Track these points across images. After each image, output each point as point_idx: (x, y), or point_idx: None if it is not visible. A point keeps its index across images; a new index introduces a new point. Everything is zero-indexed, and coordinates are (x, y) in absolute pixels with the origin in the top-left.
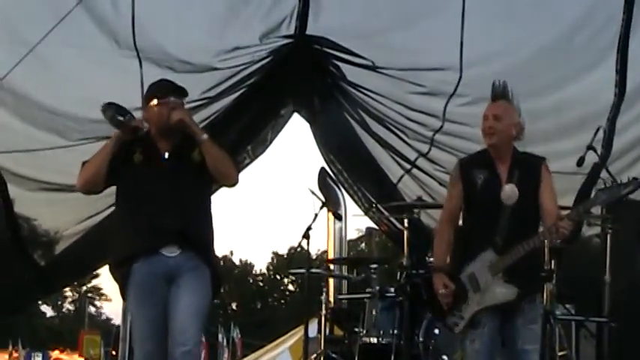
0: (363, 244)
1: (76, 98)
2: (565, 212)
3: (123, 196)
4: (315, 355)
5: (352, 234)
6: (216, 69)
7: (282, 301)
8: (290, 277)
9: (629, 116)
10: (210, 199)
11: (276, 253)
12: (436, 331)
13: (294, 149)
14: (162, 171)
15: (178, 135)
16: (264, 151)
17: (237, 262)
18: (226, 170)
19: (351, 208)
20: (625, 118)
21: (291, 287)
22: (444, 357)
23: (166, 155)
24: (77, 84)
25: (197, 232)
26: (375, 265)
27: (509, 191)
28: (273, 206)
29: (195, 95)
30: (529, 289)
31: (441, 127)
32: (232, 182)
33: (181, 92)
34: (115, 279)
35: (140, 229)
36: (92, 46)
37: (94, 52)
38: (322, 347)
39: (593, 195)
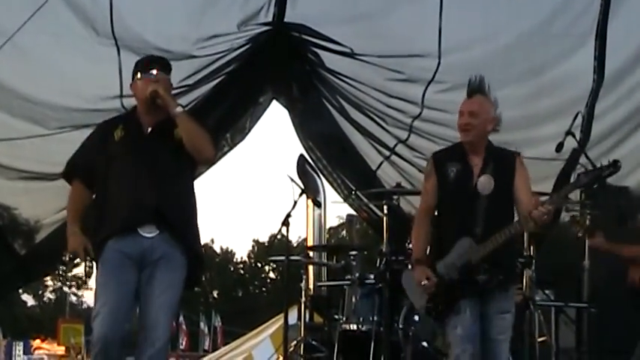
0: (344, 232)
1: (53, 87)
2: (543, 198)
3: (103, 175)
4: (295, 342)
5: (333, 221)
6: (194, 57)
7: (264, 289)
8: (271, 264)
9: (607, 102)
10: (192, 180)
11: (256, 241)
12: (416, 317)
13: (273, 137)
14: (142, 147)
15: (163, 111)
16: (243, 138)
17: (218, 250)
18: (201, 145)
19: (330, 195)
20: (603, 103)
21: (272, 275)
22: (424, 344)
23: (148, 130)
24: (55, 73)
25: (176, 211)
26: (354, 252)
27: (485, 181)
28: (254, 194)
29: (174, 83)
30: (504, 279)
31: (420, 113)
32: (208, 158)
33: (164, 65)
34: (92, 259)
35: (117, 208)
36: (70, 35)
37: (72, 41)
38: (302, 334)
39: (573, 179)
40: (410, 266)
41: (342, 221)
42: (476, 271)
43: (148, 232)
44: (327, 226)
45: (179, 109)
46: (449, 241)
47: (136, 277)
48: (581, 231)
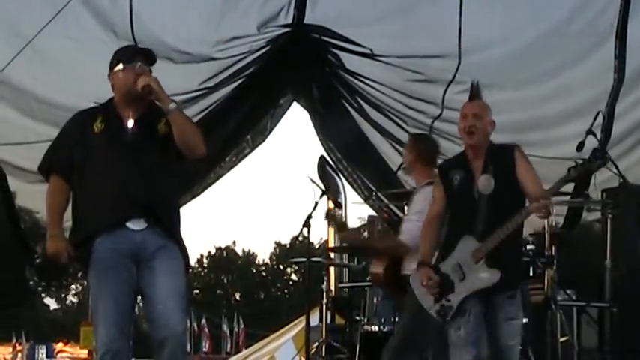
0: (366, 233)
1: (73, 90)
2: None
3: (82, 168)
4: (316, 343)
5: (354, 222)
6: (214, 59)
7: (286, 291)
8: (293, 266)
9: (628, 101)
10: (176, 174)
11: (278, 243)
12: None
13: (294, 138)
14: (125, 141)
15: (144, 104)
16: (263, 140)
17: (240, 253)
18: (194, 142)
19: (351, 196)
20: (624, 103)
21: (294, 277)
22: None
23: (130, 124)
24: (75, 76)
25: (163, 205)
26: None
27: (485, 181)
28: (275, 196)
29: (194, 85)
30: (510, 283)
31: (440, 114)
32: (199, 155)
33: (149, 57)
34: (78, 260)
35: (103, 202)
36: (90, 39)
37: (92, 45)
38: (324, 336)
39: (566, 173)
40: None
41: (363, 222)
42: (480, 269)
43: (137, 226)
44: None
45: (173, 104)
46: (452, 242)
47: (133, 273)
48: (333, 225)
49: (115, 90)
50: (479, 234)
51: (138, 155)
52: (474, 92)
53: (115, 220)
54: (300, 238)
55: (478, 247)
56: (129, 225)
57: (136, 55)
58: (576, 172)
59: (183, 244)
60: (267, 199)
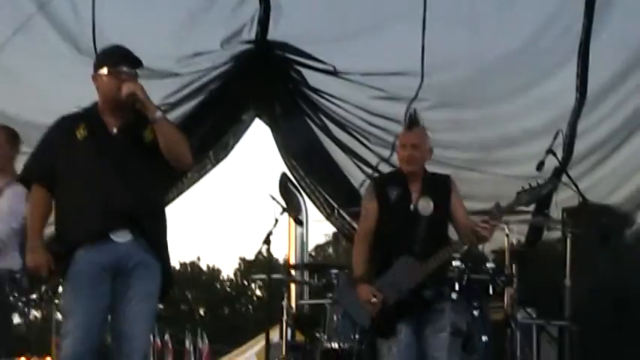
0: (331, 249)
1: (36, 106)
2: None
3: (66, 177)
4: None
5: (320, 239)
6: (177, 75)
7: (250, 307)
8: (258, 282)
9: (590, 120)
10: (163, 185)
11: (243, 259)
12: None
13: (257, 155)
14: (109, 149)
15: (129, 111)
16: (225, 156)
17: (205, 268)
18: (180, 152)
19: (313, 213)
20: (586, 122)
21: (259, 292)
22: None
23: (114, 131)
24: (39, 92)
25: (149, 217)
26: (335, 271)
27: (425, 202)
28: (240, 212)
29: (156, 101)
30: (440, 298)
31: None
32: (186, 165)
33: (135, 62)
34: (58, 272)
35: (87, 212)
36: (52, 53)
37: (55, 59)
38: (284, 353)
39: (515, 197)
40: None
41: (328, 239)
42: (421, 288)
43: (122, 238)
44: (314, 244)
45: (159, 113)
46: (389, 260)
47: (109, 288)
48: None
49: (99, 94)
50: (415, 254)
51: (123, 164)
52: (412, 121)
53: (98, 231)
54: (263, 255)
55: (419, 267)
56: (113, 237)
57: (121, 60)
58: (527, 197)
59: (167, 258)
60: (231, 215)
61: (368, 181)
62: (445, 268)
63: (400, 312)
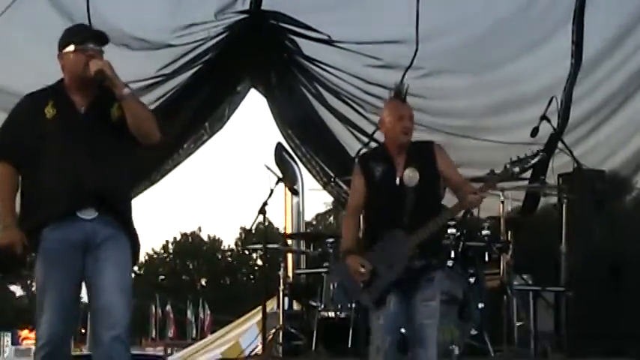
0: (331, 218)
1: (30, 79)
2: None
3: (34, 154)
4: (273, 330)
5: (321, 207)
6: (171, 46)
7: (251, 277)
8: (259, 252)
9: (585, 86)
10: (129, 161)
11: (244, 229)
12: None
13: (253, 125)
14: (78, 126)
15: (95, 87)
16: (221, 127)
17: (206, 239)
18: (148, 128)
19: (309, 182)
20: (581, 88)
21: (260, 262)
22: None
23: (82, 109)
24: (31, 64)
25: (116, 194)
26: (331, 240)
27: (410, 173)
28: (240, 181)
29: (151, 72)
30: (430, 268)
31: None
32: (154, 141)
33: (101, 39)
34: (25, 250)
35: (54, 190)
36: (46, 26)
37: (48, 32)
38: (281, 323)
39: (503, 168)
40: None
41: (329, 207)
42: (410, 259)
43: (87, 215)
44: (315, 213)
45: (126, 90)
46: (379, 233)
47: (80, 264)
48: None
49: (65, 72)
50: (405, 226)
51: (91, 141)
52: (404, 94)
53: (65, 209)
54: (260, 225)
55: (409, 237)
56: (79, 214)
57: (88, 37)
58: (514, 168)
59: (134, 232)
60: (232, 185)
61: (364, 149)
62: (436, 239)
63: (389, 284)
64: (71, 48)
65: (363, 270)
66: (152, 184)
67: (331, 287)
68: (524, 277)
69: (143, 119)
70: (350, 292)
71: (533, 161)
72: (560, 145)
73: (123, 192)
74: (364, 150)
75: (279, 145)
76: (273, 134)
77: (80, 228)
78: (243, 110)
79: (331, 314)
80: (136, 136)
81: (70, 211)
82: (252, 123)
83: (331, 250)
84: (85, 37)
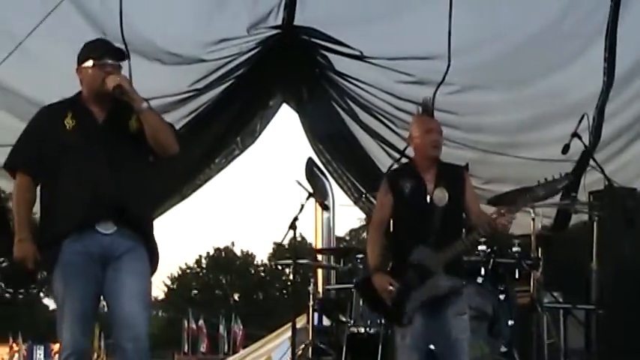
0: (365, 234)
1: (64, 92)
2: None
3: (53, 165)
4: (302, 345)
5: (354, 223)
6: (204, 61)
7: (284, 291)
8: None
9: (617, 103)
10: (149, 173)
11: (277, 243)
12: None
13: (284, 140)
14: (98, 138)
15: (112, 100)
16: (253, 142)
17: (239, 253)
18: (166, 141)
19: (340, 198)
20: (614, 104)
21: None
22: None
23: (101, 120)
24: (65, 78)
25: (135, 206)
26: (360, 255)
27: (440, 193)
28: (273, 196)
29: (183, 87)
30: (457, 285)
31: None
32: (172, 154)
33: (119, 54)
34: (43, 262)
35: (73, 202)
36: (80, 40)
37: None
38: (310, 338)
39: (531, 191)
40: None
41: (362, 223)
42: (439, 277)
43: (106, 229)
44: (349, 228)
45: (145, 104)
46: (405, 250)
47: (100, 276)
48: None
49: (83, 85)
50: (432, 244)
51: (111, 153)
52: (431, 109)
53: (84, 220)
54: (293, 240)
55: (437, 256)
56: (98, 228)
57: (106, 53)
58: (543, 191)
59: (153, 245)
60: (265, 199)
61: (395, 165)
62: (460, 259)
63: (416, 303)
64: (90, 63)
65: (391, 288)
66: (183, 198)
67: (361, 303)
68: (555, 294)
69: (161, 132)
70: (376, 310)
71: (560, 185)
72: (591, 162)
73: (142, 204)
74: (395, 165)
75: (310, 161)
76: (304, 149)
77: (99, 242)
78: (274, 125)
79: (361, 330)
80: (155, 148)
81: (89, 222)
82: (284, 138)
83: (361, 266)
84: (103, 52)
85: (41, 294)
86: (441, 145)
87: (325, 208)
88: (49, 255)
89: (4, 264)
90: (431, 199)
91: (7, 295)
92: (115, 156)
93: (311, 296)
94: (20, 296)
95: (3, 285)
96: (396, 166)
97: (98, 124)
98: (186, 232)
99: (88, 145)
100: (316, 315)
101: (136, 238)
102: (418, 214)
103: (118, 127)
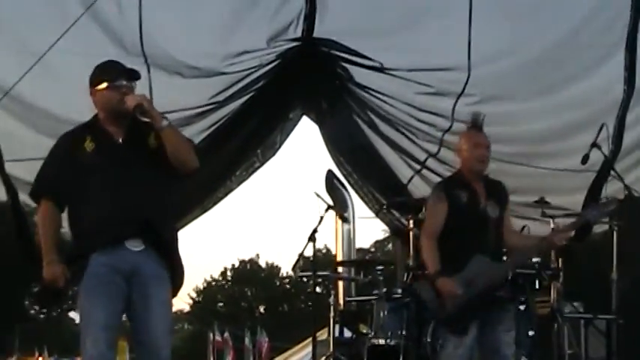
0: (390, 245)
1: (84, 106)
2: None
3: (77, 188)
4: (323, 357)
5: (379, 235)
6: (223, 73)
7: (309, 303)
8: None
9: (637, 113)
10: (170, 189)
11: (303, 256)
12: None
13: (305, 152)
14: (118, 158)
15: (128, 119)
16: (273, 154)
17: (264, 265)
18: (186, 157)
19: (360, 210)
20: (634, 114)
21: (318, 289)
22: None
23: (120, 140)
24: (85, 92)
25: (162, 221)
26: (381, 267)
27: (493, 206)
28: (297, 208)
29: (203, 100)
30: (512, 299)
31: (450, 127)
32: (192, 170)
33: (133, 75)
34: (72, 277)
35: (102, 221)
36: (100, 54)
37: (102, 60)
38: (331, 350)
39: (584, 212)
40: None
41: (387, 234)
42: (497, 288)
43: (135, 246)
44: (374, 240)
45: (165, 122)
46: (462, 258)
47: (126, 291)
48: None
49: (98, 107)
50: (490, 254)
51: (133, 172)
52: (481, 124)
53: (113, 237)
54: (319, 253)
55: (496, 267)
56: (127, 245)
57: (120, 74)
58: (596, 212)
59: (178, 265)
60: (289, 211)
61: (416, 177)
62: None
63: (474, 310)
64: (104, 85)
65: (459, 292)
66: (204, 211)
67: (381, 314)
68: (575, 304)
69: (182, 149)
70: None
71: (610, 208)
72: (612, 172)
73: (168, 219)
74: (415, 177)
75: (329, 173)
76: (324, 161)
77: (126, 258)
78: (294, 137)
79: (381, 341)
80: (175, 165)
81: (119, 239)
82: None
83: (381, 278)
84: (117, 74)
85: (65, 307)
86: (487, 159)
87: (345, 220)
88: (76, 268)
89: (35, 289)
90: (485, 210)
91: (42, 316)
92: (138, 174)
93: (332, 308)
94: (54, 314)
95: (37, 308)
96: (441, 178)
97: (117, 144)
98: (211, 245)
99: (110, 165)
100: (337, 327)
101: (162, 258)
102: (475, 223)
103: (137, 145)
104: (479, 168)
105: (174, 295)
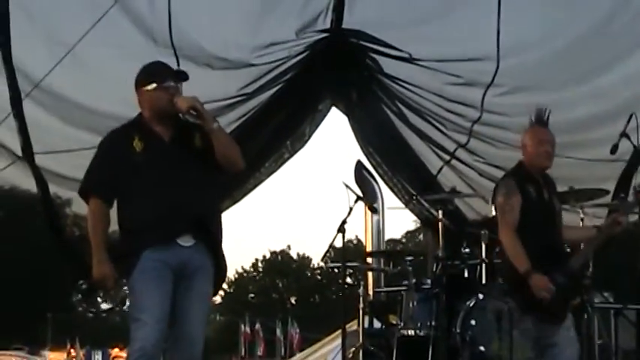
0: (421, 236)
1: (114, 97)
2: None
3: (128, 187)
4: (353, 348)
5: (410, 225)
6: (252, 65)
7: (341, 294)
8: (348, 270)
9: None
10: (217, 186)
11: (333, 247)
12: (472, 322)
13: (334, 143)
14: (167, 157)
15: (173, 119)
16: (303, 145)
17: (295, 257)
18: (235, 157)
19: (389, 200)
20: None
21: (349, 280)
22: (481, 348)
23: (167, 139)
24: (115, 83)
25: (211, 219)
26: (410, 258)
27: (556, 200)
28: (328, 199)
29: (232, 92)
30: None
31: (480, 117)
32: (239, 169)
33: (181, 76)
34: (121, 270)
35: (153, 218)
36: (129, 45)
37: (132, 51)
38: (361, 340)
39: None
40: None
41: (418, 225)
42: (580, 277)
43: (186, 242)
44: (405, 230)
45: (216, 124)
46: (535, 254)
47: (173, 284)
48: None
49: (144, 107)
50: (558, 247)
51: (182, 171)
52: (545, 119)
53: (165, 235)
54: (350, 243)
55: (571, 262)
56: (179, 241)
57: (168, 76)
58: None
59: (221, 260)
60: (321, 202)
61: (445, 167)
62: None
63: (565, 298)
64: (153, 86)
65: (552, 287)
66: (234, 202)
67: (411, 305)
68: (605, 294)
69: (231, 149)
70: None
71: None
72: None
73: (216, 216)
74: (445, 167)
75: (358, 163)
76: (354, 152)
77: (177, 254)
78: (324, 128)
79: (411, 332)
80: (223, 164)
81: (171, 236)
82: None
83: (410, 268)
84: (166, 75)
85: (99, 299)
86: (552, 156)
87: (374, 210)
88: (127, 262)
89: (83, 286)
90: (552, 203)
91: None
92: (186, 172)
93: (361, 299)
94: (104, 314)
95: (85, 306)
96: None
97: (165, 143)
98: (243, 236)
99: (160, 164)
100: (367, 318)
101: (209, 254)
102: (545, 217)
103: (185, 144)
104: (544, 165)
105: (218, 288)
